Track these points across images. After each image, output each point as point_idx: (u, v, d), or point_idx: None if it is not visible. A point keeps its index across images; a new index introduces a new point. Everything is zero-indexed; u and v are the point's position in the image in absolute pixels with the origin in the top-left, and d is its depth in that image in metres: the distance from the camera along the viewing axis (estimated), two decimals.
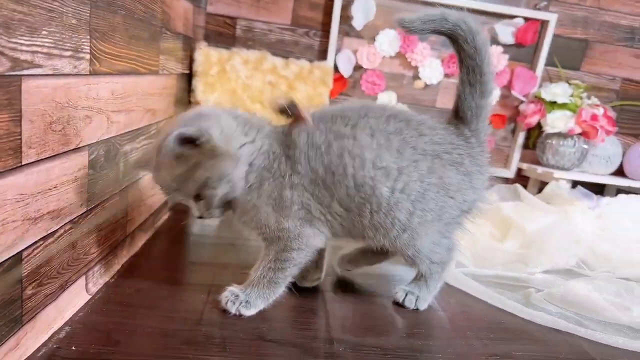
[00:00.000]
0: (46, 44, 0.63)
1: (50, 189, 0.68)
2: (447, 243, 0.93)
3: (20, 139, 0.59)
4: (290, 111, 0.83)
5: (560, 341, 0.92)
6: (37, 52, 0.61)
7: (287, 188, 0.82)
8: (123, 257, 1.04)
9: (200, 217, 0.83)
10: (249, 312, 0.86)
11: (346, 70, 1.81)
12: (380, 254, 1.04)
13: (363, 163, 0.81)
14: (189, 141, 0.75)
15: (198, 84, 1.58)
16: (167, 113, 1.37)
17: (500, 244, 1.28)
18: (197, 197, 0.81)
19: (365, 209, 0.83)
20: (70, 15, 0.69)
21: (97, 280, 0.90)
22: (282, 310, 0.90)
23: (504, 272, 1.18)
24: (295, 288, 0.92)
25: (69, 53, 0.69)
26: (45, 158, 0.66)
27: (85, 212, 0.81)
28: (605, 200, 1.51)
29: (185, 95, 1.60)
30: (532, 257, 1.21)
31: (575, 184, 1.81)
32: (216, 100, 1.59)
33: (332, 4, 1.75)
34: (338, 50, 1.81)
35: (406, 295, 0.97)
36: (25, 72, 0.58)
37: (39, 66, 0.62)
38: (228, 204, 0.84)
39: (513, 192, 1.52)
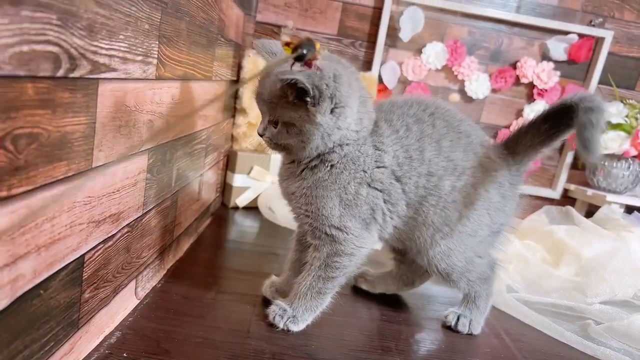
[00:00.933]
0: (122, 48, 0.63)
1: (113, 192, 0.68)
2: (482, 262, 0.91)
3: (93, 142, 0.59)
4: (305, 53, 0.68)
5: None
6: (114, 55, 0.60)
7: (365, 185, 0.80)
8: (169, 262, 1.04)
9: (260, 135, 0.81)
10: (297, 327, 0.83)
11: (390, 82, 1.78)
12: (399, 281, 1.05)
13: (439, 150, 0.82)
14: (300, 90, 0.72)
15: (245, 91, 1.58)
16: (217, 119, 1.37)
17: (554, 269, 1.22)
18: (274, 123, 0.78)
19: (424, 202, 0.83)
20: (144, 20, 0.68)
21: (145, 284, 0.89)
22: (328, 327, 0.87)
23: (560, 300, 1.12)
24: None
25: (140, 58, 0.69)
26: (112, 161, 0.66)
27: (141, 215, 0.81)
28: None
29: (232, 101, 1.60)
30: (590, 285, 1.15)
31: (629, 209, 1.72)
32: None
33: (380, 15, 1.73)
34: (383, 62, 1.79)
35: (458, 318, 0.94)
36: (103, 75, 0.58)
37: (114, 70, 0.61)
38: (287, 149, 0.80)
39: (563, 215, 1.46)
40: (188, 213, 1.17)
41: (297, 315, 0.83)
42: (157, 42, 0.75)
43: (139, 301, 0.86)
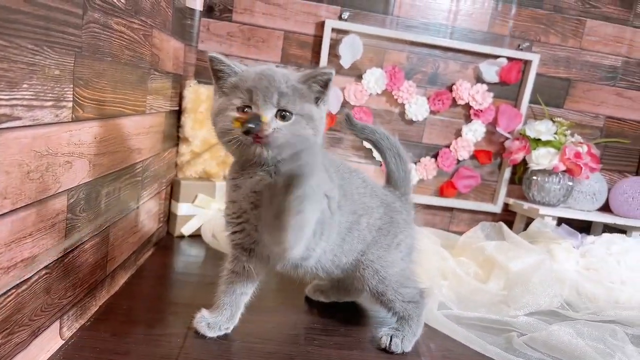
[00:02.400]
0: (26, 97, 0.64)
1: (25, 237, 0.69)
2: (413, 283, 1.03)
3: None
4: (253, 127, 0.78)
5: None
6: (16, 105, 0.62)
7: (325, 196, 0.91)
8: (102, 298, 1.03)
9: (259, 123, 0.78)
10: None
11: (334, 107, 1.84)
12: (349, 291, 1.17)
13: (359, 195, 1.00)
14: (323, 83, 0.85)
15: (187, 120, 1.59)
16: (154, 150, 1.38)
17: (485, 284, 1.28)
18: (282, 115, 0.81)
19: (348, 234, 0.97)
20: (53, 67, 0.70)
21: (72, 324, 0.89)
22: (256, 356, 0.89)
23: (487, 314, 1.17)
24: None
25: (50, 103, 0.71)
26: (21, 207, 0.66)
27: (62, 256, 0.81)
28: (590, 238, 1.51)
29: (174, 130, 1.62)
30: (515, 298, 1.21)
31: (561, 220, 1.82)
32: (205, 136, 1.60)
33: (321, 42, 1.79)
34: None
35: (391, 338, 0.98)
36: (3, 125, 0.59)
37: (18, 118, 0.63)
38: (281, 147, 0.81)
39: (498, 230, 1.53)
40: (124, 246, 1.17)
41: None
42: (72, 86, 0.77)
43: (64, 342, 0.85)
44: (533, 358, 1.01)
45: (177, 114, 1.62)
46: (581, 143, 1.82)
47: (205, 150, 1.61)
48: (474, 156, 1.96)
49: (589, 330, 1.09)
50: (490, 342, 1.05)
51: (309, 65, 1.85)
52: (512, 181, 2.00)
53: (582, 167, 1.74)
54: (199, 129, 1.60)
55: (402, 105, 1.88)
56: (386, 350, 0.97)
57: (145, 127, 1.26)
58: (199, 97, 1.60)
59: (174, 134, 1.61)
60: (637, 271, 1.36)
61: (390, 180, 1.12)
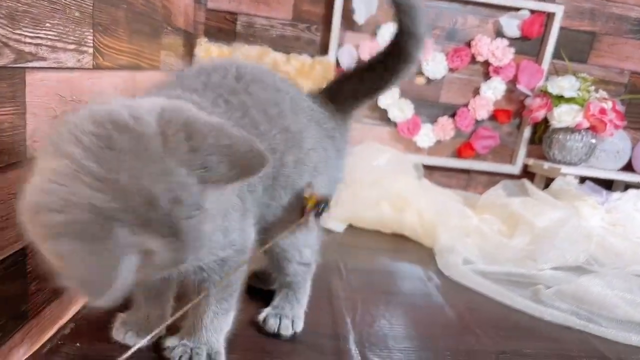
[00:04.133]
0: (50, 37, 0.61)
1: None
2: (316, 240, 0.80)
3: (25, 132, 0.57)
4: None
5: (572, 339, 0.90)
6: (40, 44, 0.59)
7: None
8: None
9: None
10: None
11: (348, 65, 1.79)
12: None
13: (270, 121, 0.69)
14: None
15: None
16: None
17: (509, 240, 1.26)
18: None
19: (276, 185, 0.70)
20: (73, 8, 0.67)
21: None
22: None
23: (513, 268, 1.16)
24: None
25: (72, 46, 0.68)
26: None
27: None
28: (615, 195, 1.48)
29: None
30: (541, 253, 1.20)
31: (583, 179, 1.78)
32: None
33: None
34: (340, 45, 1.79)
35: (280, 320, 0.76)
36: (30, 64, 0.57)
37: (43, 59, 0.60)
38: None
39: (520, 188, 1.50)
40: None
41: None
42: (92, 30, 0.74)
43: None
44: (562, 309, 1.00)
45: None
46: (606, 99, 1.76)
47: None
48: (493, 115, 1.91)
49: (617, 282, 1.08)
50: (518, 295, 1.04)
51: (319, 24, 1.79)
52: (531, 141, 1.96)
53: (606, 124, 1.69)
54: None
55: (419, 63, 1.83)
56: (275, 335, 0.76)
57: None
58: (210, 55, 1.56)
59: None
60: None
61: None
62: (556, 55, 1.87)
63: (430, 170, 1.94)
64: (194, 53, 1.56)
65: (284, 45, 1.81)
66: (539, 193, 1.40)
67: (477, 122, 1.92)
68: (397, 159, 1.59)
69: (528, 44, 1.86)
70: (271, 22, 1.80)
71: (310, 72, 1.69)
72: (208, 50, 1.56)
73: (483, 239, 1.26)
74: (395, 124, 1.89)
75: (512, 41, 1.83)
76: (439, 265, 1.19)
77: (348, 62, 1.79)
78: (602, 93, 1.78)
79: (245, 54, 1.62)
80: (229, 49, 1.62)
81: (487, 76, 1.88)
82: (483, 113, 1.88)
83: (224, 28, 1.79)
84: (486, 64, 1.86)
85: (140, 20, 0.99)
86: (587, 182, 1.65)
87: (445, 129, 1.90)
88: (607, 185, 1.97)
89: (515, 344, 0.86)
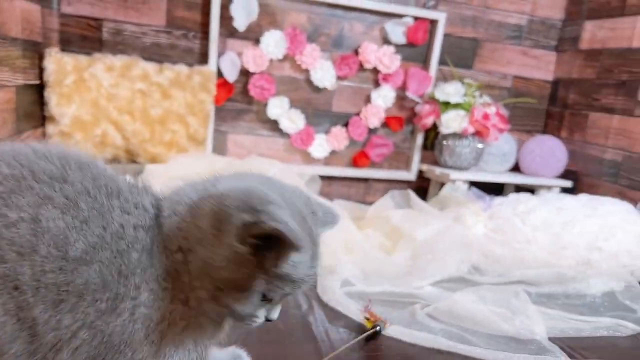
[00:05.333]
0: None
1: None
2: None
3: None
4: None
5: None
6: None
7: None
8: None
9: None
10: None
11: (231, 75, 1.67)
12: None
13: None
14: None
15: (51, 96, 1.36)
16: (4, 131, 1.16)
17: (390, 256, 1.20)
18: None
19: None
20: None
21: None
22: None
23: (392, 288, 1.10)
24: None
25: None
26: None
27: None
28: (498, 200, 1.49)
29: (38, 108, 1.38)
30: (421, 267, 1.15)
31: (472, 184, 1.79)
32: (75, 113, 1.38)
33: (210, 3, 1.60)
34: (221, 53, 1.67)
35: None
36: None
37: None
38: None
39: (406, 198, 1.46)
40: None
41: None
42: None
43: None
44: (436, 329, 0.94)
45: (39, 89, 1.38)
46: (489, 104, 1.79)
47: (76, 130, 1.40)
48: (385, 123, 1.88)
49: (492, 294, 1.05)
50: (395, 317, 0.97)
51: (197, 31, 1.66)
52: (425, 147, 1.95)
53: (490, 129, 1.71)
54: (67, 105, 1.38)
55: (307, 71, 1.75)
56: None
57: None
58: (63, 68, 1.37)
59: (37, 113, 1.38)
60: (541, 230, 1.35)
61: None
62: (442, 61, 1.88)
63: (328, 180, 1.88)
64: (42, 66, 1.37)
65: (159, 54, 1.65)
66: (421, 204, 1.37)
67: (371, 131, 1.87)
68: (283, 172, 1.48)
69: (415, 51, 1.85)
70: (142, 29, 1.63)
71: (186, 83, 1.55)
72: (59, 62, 1.37)
73: (364, 257, 1.19)
74: (288, 135, 1.80)
75: (399, 48, 1.81)
76: (318, 289, 1.10)
77: (231, 71, 1.67)
78: (486, 98, 1.80)
79: (108, 64, 1.45)
80: (88, 59, 1.44)
81: (377, 84, 1.84)
82: (375, 121, 1.84)
83: (88, 36, 1.60)
84: (375, 71, 1.82)
85: None
86: (472, 188, 1.66)
87: (339, 138, 1.84)
88: (499, 187, 2.01)
89: None
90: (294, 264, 0.48)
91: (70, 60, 1.39)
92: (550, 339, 0.94)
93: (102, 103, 1.42)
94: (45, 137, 1.39)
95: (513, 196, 1.48)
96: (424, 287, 1.11)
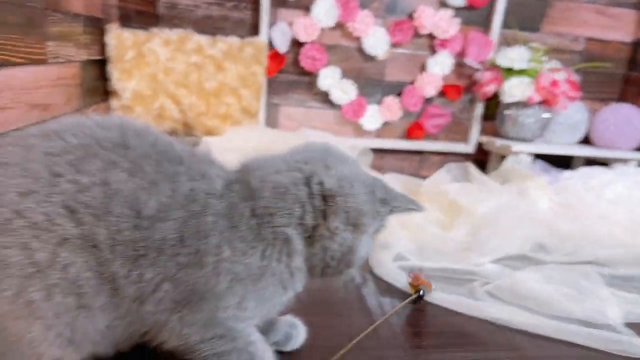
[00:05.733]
0: None
1: None
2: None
3: None
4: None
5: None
6: None
7: None
8: None
9: None
10: None
11: (282, 45, 1.64)
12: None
13: None
14: None
15: (113, 71, 1.40)
16: (70, 106, 1.20)
17: (448, 231, 1.16)
18: None
19: None
20: None
21: None
22: None
23: (449, 264, 1.05)
24: None
25: None
26: None
27: None
28: (567, 174, 1.38)
29: (101, 84, 1.43)
30: (481, 244, 1.09)
31: (538, 157, 1.68)
32: (135, 87, 1.42)
33: None
34: (272, 24, 1.64)
35: None
36: None
37: None
38: None
39: (464, 172, 1.39)
40: None
41: None
42: None
43: None
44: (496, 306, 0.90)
45: (102, 64, 1.42)
46: (559, 69, 1.65)
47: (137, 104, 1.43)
48: (442, 92, 1.79)
49: (558, 274, 0.98)
50: (452, 293, 0.94)
51: (248, 2, 1.64)
52: (485, 117, 1.85)
53: (558, 97, 1.58)
54: (127, 80, 1.41)
55: (359, 39, 1.69)
56: None
57: (50, 79, 1.08)
58: (123, 43, 1.40)
59: (100, 88, 1.43)
60: (618, 205, 1.24)
61: None
62: (506, 24, 1.74)
63: (380, 153, 1.83)
64: (104, 41, 1.40)
65: (211, 26, 1.65)
66: (480, 177, 1.30)
67: (426, 100, 1.80)
68: None
69: (475, 14, 1.73)
70: (195, 1, 1.64)
71: (238, 55, 1.54)
72: (120, 38, 1.41)
73: (420, 232, 1.15)
74: (339, 107, 1.76)
75: (458, 11, 1.70)
76: (370, 263, 1.08)
77: (282, 42, 1.64)
78: (554, 63, 1.66)
79: (164, 39, 1.47)
80: (146, 34, 1.47)
81: (433, 50, 1.75)
82: (431, 90, 1.75)
83: (144, 11, 1.62)
84: (431, 37, 1.73)
85: (3, 9, 0.84)
86: (538, 161, 1.55)
87: (392, 109, 1.77)
88: (567, 161, 1.88)
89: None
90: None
91: (129, 36, 1.42)
92: (626, 325, 0.87)
93: (160, 77, 1.44)
94: (109, 111, 1.44)
95: (584, 170, 1.37)
96: (484, 264, 1.05)
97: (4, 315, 0.47)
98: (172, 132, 1.52)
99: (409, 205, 0.63)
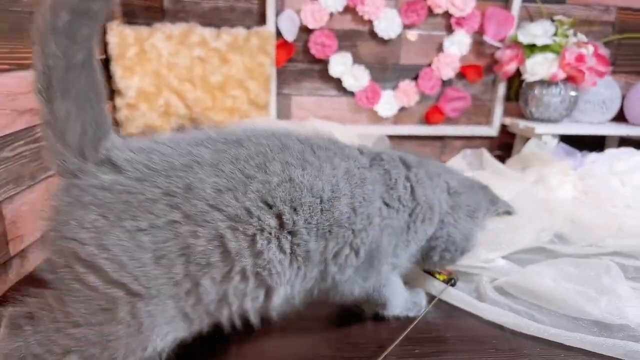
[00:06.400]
0: None
1: None
2: None
3: None
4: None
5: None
6: None
7: None
8: (7, 283, 0.92)
9: None
10: None
11: (290, 34, 1.60)
12: None
13: None
14: None
15: (116, 69, 1.41)
16: None
17: None
18: None
19: None
20: None
21: None
22: None
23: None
24: None
25: None
26: None
27: None
28: (591, 157, 1.28)
29: (105, 83, 1.44)
30: (491, 238, 1.02)
31: (564, 138, 1.57)
32: (139, 85, 1.42)
33: None
34: (279, 12, 1.60)
35: None
36: None
37: None
38: None
39: (479, 158, 1.32)
40: (39, 222, 1.04)
41: None
42: None
43: None
44: (501, 304, 0.84)
45: (105, 63, 1.43)
46: (586, 43, 1.53)
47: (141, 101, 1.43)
48: (461, 74, 1.70)
49: (574, 269, 0.91)
50: (460, 290, 0.89)
51: None
52: (509, 98, 1.74)
53: (585, 73, 1.46)
54: (130, 77, 1.41)
55: (370, 22, 1.62)
56: None
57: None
58: (125, 40, 1.40)
59: (106, 87, 1.44)
60: None
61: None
62: None
63: (398, 140, 1.76)
64: (106, 40, 1.41)
65: (218, 18, 1.62)
66: (495, 164, 1.22)
67: (444, 83, 1.71)
68: (343, 135, 1.41)
69: None
70: None
71: (244, 47, 1.52)
72: (122, 35, 1.41)
73: None
74: (353, 94, 1.71)
75: None
76: None
77: (290, 30, 1.60)
78: (581, 37, 1.54)
79: (167, 33, 1.46)
80: (149, 30, 1.46)
81: (449, 29, 1.66)
82: (449, 72, 1.67)
83: (151, 6, 1.61)
84: (447, 15, 1.63)
85: None
86: (560, 144, 1.44)
87: (408, 93, 1.70)
88: (600, 142, 1.75)
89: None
90: None
91: (131, 33, 1.41)
92: None
93: (163, 72, 1.44)
94: (114, 110, 1.45)
95: (610, 152, 1.27)
96: (494, 260, 0.99)
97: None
98: (180, 128, 1.52)
99: (509, 207, 0.78)
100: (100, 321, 0.51)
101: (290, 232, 0.57)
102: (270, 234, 0.56)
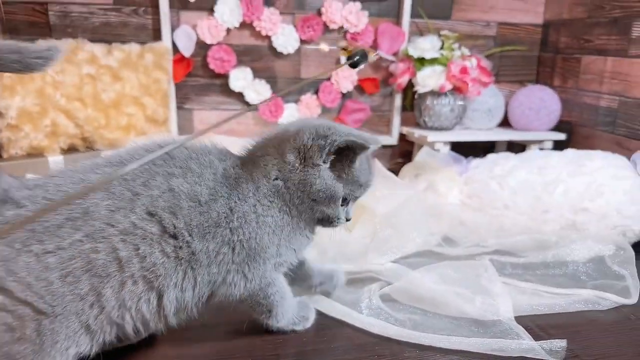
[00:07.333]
0: None
1: None
2: None
3: None
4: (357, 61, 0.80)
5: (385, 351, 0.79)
6: None
7: None
8: None
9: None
10: None
11: (187, 49, 1.57)
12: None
13: None
14: None
15: None
16: None
17: (349, 233, 1.13)
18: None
19: None
20: None
21: None
22: None
23: (351, 267, 1.03)
24: None
25: None
26: None
27: None
28: (475, 162, 1.38)
29: None
30: (380, 244, 1.07)
31: (455, 146, 1.68)
32: (20, 105, 1.32)
33: None
34: (175, 27, 1.57)
35: None
36: None
37: None
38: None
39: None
40: None
41: None
42: None
43: None
44: (384, 312, 0.88)
45: None
46: (469, 56, 1.65)
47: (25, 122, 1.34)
48: (359, 86, 1.77)
49: (454, 272, 0.97)
50: (352, 300, 0.91)
51: (148, 6, 1.56)
52: (405, 108, 1.84)
53: (469, 84, 1.58)
54: (10, 97, 1.31)
55: (269, 37, 1.64)
56: None
57: None
58: None
59: None
60: (521, 193, 1.24)
61: None
62: (416, 13, 1.73)
63: None
64: None
65: (110, 33, 1.56)
66: (383, 172, 1.28)
67: (344, 95, 1.77)
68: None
69: (384, 5, 1.71)
70: (90, 8, 1.54)
71: (139, 63, 1.47)
72: None
73: (320, 237, 1.12)
74: (257, 108, 1.71)
75: (366, 4, 1.67)
76: None
77: (186, 45, 1.57)
78: (464, 50, 1.66)
79: None
80: None
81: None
82: (348, 85, 1.73)
83: (36, 21, 1.52)
84: (342, 30, 1.69)
85: None
86: (449, 151, 1.55)
87: (310, 106, 1.74)
88: (491, 147, 1.90)
89: None
90: (359, 170, 0.72)
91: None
92: (518, 318, 0.85)
93: (49, 91, 1.35)
94: None
95: (491, 157, 1.38)
96: (384, 264, 1.04)
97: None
98: (72, 149, 1.43)
99: (349, 137, 0.68)
100: (7, 341, 0.55)
101: (172, 236, 0.63)
102: (152, 240, 0.62)
